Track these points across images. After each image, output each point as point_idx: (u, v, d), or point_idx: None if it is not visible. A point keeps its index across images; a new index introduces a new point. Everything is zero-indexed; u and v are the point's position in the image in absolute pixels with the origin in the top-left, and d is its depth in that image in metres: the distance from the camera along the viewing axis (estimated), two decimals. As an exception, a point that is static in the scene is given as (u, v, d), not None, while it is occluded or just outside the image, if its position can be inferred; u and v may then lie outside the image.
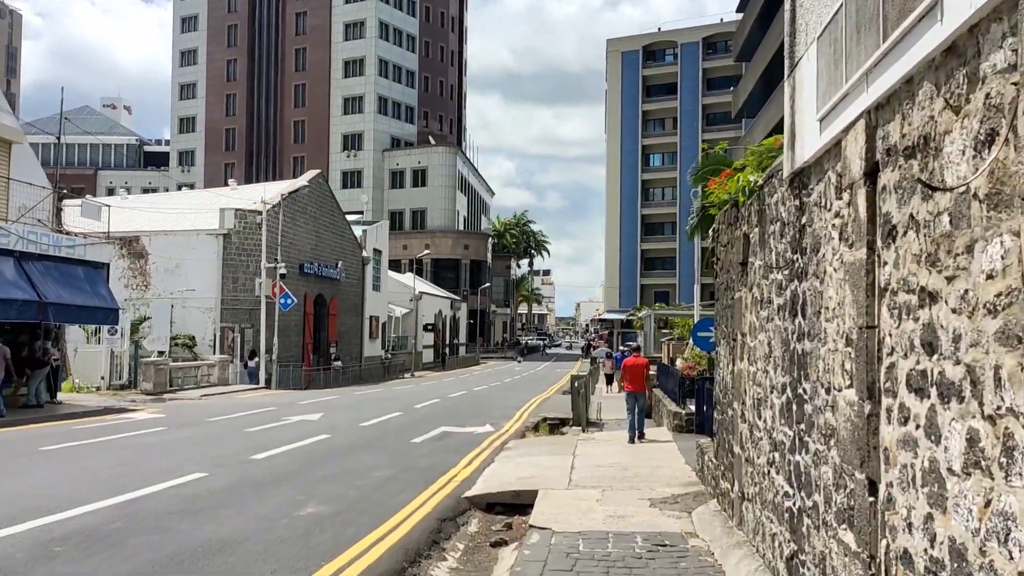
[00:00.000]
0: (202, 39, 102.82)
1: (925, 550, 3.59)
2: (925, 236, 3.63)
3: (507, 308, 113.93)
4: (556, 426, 21.35)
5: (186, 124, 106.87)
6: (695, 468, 12.07)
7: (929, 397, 3.58)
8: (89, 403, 23.84)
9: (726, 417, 9.12)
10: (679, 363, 23.98)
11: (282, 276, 34.64)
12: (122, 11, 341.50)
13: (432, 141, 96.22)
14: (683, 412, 16.53)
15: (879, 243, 4.27)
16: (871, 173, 4.35)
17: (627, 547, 8.08)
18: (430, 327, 71.15)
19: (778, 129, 10.03)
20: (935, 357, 3.51)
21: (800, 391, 5.91)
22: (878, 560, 4.21)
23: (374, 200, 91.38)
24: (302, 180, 43.58)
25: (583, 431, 18.76)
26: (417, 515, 10.04)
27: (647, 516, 9.53)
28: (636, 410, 16.47)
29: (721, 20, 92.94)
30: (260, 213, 36.61)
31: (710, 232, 18.23)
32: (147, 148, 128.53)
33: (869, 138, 4.33)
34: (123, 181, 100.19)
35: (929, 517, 3.55)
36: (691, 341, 29.54)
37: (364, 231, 53.72)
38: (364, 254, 52.27)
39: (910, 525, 3.78)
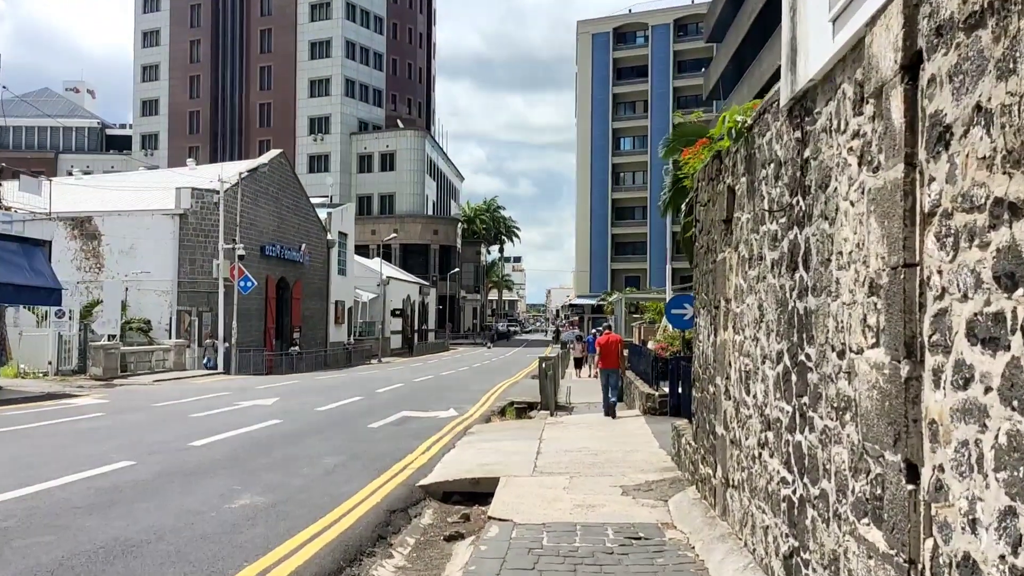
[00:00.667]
0: (165, 20, 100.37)
1: (1002, 557, 2.62)
2: (1003, 128, 2.65)
3: (477, 294, 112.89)
4: (523, 410, 20.41)
5: (149, 107, 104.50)
6: (671, 452, 11.15)
7: (1008, 348, 2.60)
8: (31, 389, 22.52)
9: (707, 395, 8.17)
10: (651, 345, 23.12)
11: (240, 258, 33.27)
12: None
13: (401, 125, 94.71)
14: (656, 394, 15.62)
15: (921, 155, 3.29)
16: (910, 66, 3.36)
17: (597, 541, 7.12)
18: (398, 312, 69.94)
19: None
20: (1020, 292, 2.54)
21: (802, 359, 4.94)
22: (921, 566, 3.24)
23: (342, 185, 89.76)
24: (262, 159, 42.15)
25: (551, 415, 17.80)
26: (364, 506, 8.99)
27: (619, 505, 8.57)
28: (610, 387, 17.07)
29: (692, 2, 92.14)
30: (217, 192, 35.18)
31: (686, 203, 17.23)
32: (109, 132, 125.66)
33: (908, 20, 3.34)
34: (84, 165, 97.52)
35: (1009, 513, 2.58)
36: (664, 321, 28.73)
37: (329, 214, 52.32)
38: (329, 237, 50.92)
39: (974, 522, 2.81)
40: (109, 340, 28.01)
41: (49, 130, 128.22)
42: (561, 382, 26.86)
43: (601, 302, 78.99)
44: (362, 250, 70.21)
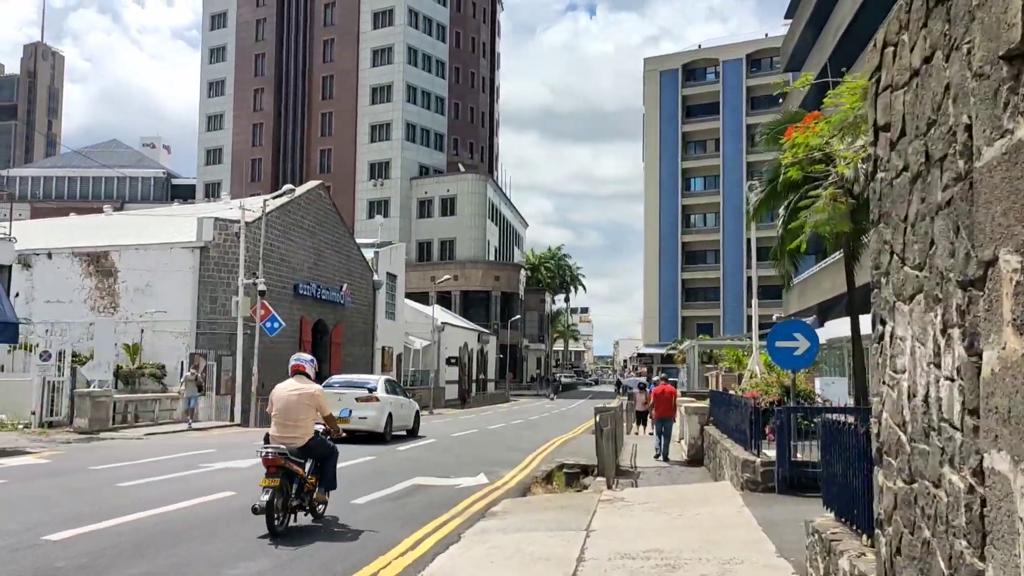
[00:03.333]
0: (230, 69, 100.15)
1: None
2: None
3: (541, 344, 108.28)
4: (575, 476, 15.83)
5: (212, 155, 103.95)
6: (804, 571, 6.50)
7: None
8: (-11, 443, 18.76)
9: (932, 490, 3.63)
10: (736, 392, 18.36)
11: (261, 293, 29.47)
12: (168, 56, 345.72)
13: (462, 169, 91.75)
14: (758, 461, 10.87)
15: None
16: None
17: None
18: (454, 361, 65.78)
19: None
20: None
21: None
22: None
23: (401, 230, 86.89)
24: (298, 190, 38.79)
25: (609, 485, 13.17)
26: None
27: None
28: (665, 434, 18.96)
29: (766, 35, 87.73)
30: (237, 221, 31.64)
31: (785, 206, 12.68)
32: (175, 181, 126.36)
33: None
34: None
35: None
36: (750, 366, 23.83)
37: (376, 253, 48.73)
38: (375, 278, 47.21)
39: None
40: (99, 387, 24.22)
41: (116, 180, 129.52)
42: (625, 439, 22.17)
43: (671, 351, 73.93)
44: (420, 297, 66.61)
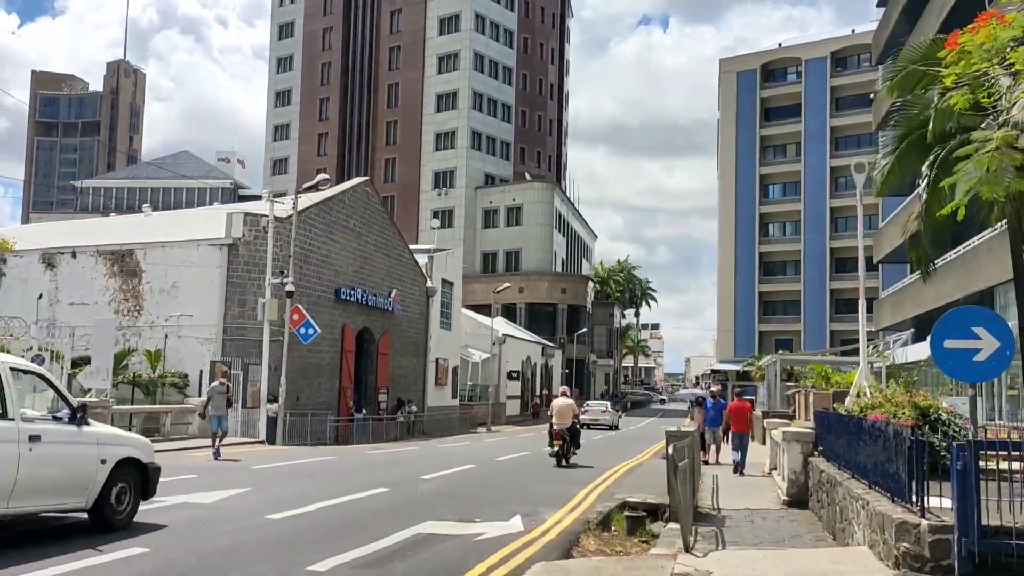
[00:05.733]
0: (296, 79, 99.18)
1: None
2: None
3: (610, 359, 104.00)
4: (639, 521, 12.07)
5: (279, 165, 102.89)
6: None
7: None
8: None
9: None
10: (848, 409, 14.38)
11: (289, 295, 26.40)
12: (248, 75, 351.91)
13: (528, 177, 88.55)
14: (923, 524, 6.82)
15: None
16: None
17: None
18: (515, 375, 62.31)
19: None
20: None
21: None
22: None
23: (466, 240, 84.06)
24: (342, 186, 35.81)
25: (686, 544, 9.34)
26: None
27: None
28: (742, 448, 19.77)
29: (852, 31, 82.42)
30: (278, 219, 28.69)
31: (928, 163, 8.84)
32: (242, 192, 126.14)
33: None
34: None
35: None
36: (858, 384, 19.71)
37: (430, 258, 45.56)
38: (429, 284, 44.00)
39: None
40: (99, 396, 21.28)
41: (185, 191, 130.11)
42: (704, 470, 18.29)
43: (747, 367, 69.14)
44: (484, 309, 63.46)
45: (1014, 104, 10.59)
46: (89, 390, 21.02)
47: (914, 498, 7.14)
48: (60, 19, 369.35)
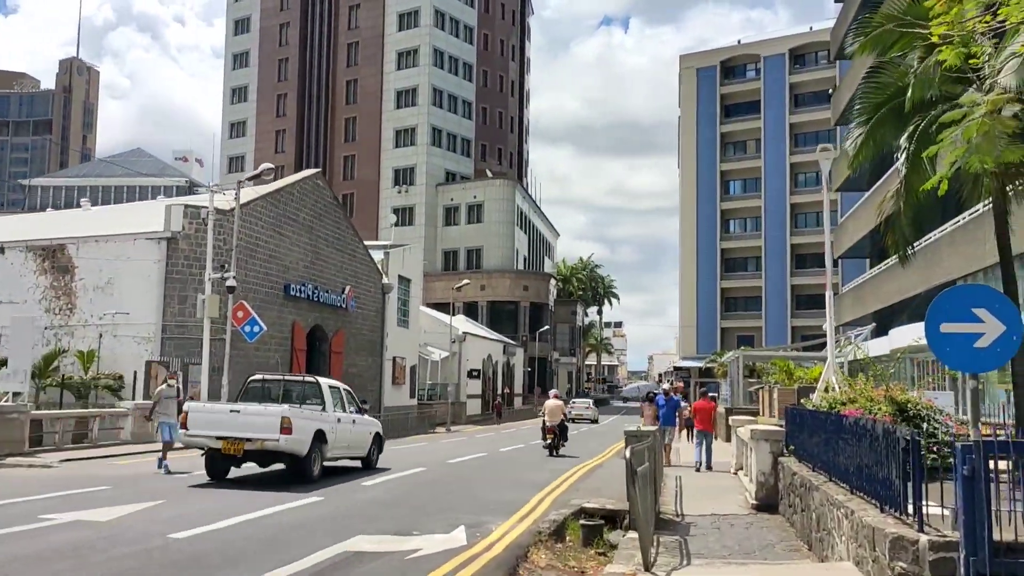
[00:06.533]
0: (253, 75, 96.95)
1: None
2: None
3: (573, 357, 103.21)
4: (596, 530, 11.00)
5: (236, 163, 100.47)
6: None
7: None
8: None
9: None
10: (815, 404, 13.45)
11: (231, 290, 24.97)
12: (206, 73, 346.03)
13: (490, 174, 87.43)
14: (922, 540, 5.76)
15: None
16: None
17: None
18: (476, 374, 61.14)
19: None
20: None
21: None
22: None
23: (427, 238, 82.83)
24: (290, 178, 34.44)
25: (646, 561, 8.24)
26: None
27: None
28: (705, 446, 20.25)
29: (811, 29, 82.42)
30: (222, 211, 27.21)
31: (909, 136, 7.69)
32: (199, 190, 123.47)
33: None
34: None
35: None
36: (825, 379, 18.88)
37: (386, 254, 44.25)
38: (385, 281, 42.69)
39: None
40: (15, 399, 19.74)
41: (138, 189, 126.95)
42: (667, 471, 17.32)
43: (710, 364, 68.74)
44: (445, 307, 62.26)
45: (1002, 67, 9.68)
46: (5, 394, 19.45)
47: (910, 508, 6.12)
48: (12, 17, 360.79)
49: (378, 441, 18.75)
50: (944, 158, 8.85)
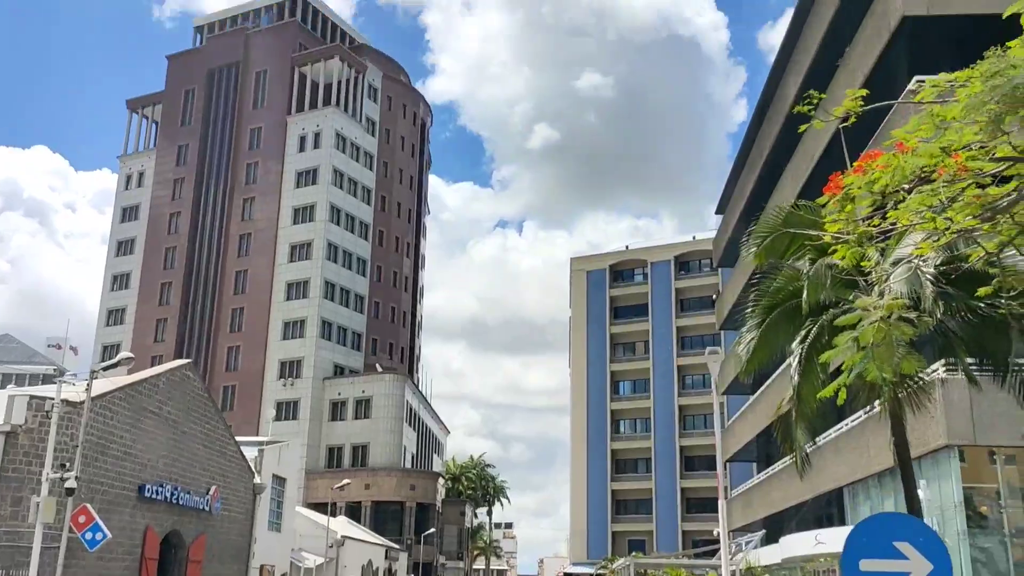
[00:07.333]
0: (137, 262, 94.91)
1: None
2: None
3: (460, 562, 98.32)
4: None
5: (109, 352, 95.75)
6: None
7: None
8: None
9: None
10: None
11: (70, 492, 22.29)
12: (90, 260, 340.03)
13: (379, 369, 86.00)
14: None
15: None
16: None
17: None
18: (354, 582, 56.83)
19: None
20: None
21: None
22: None
23: (311, 433, 79.82)
24: (156, 369, 32.29)
25: None
26: None
27: None
28: None
29: (693, 238, 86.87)
30: (71, 404, 24.84)
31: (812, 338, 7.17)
32: (68, 380, 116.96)
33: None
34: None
35: None
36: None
37: (260, 451, 41.52)
38: (257, 480, 39.76)
39: None
40: None
41: (1, 377, 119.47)
42: None
43: (601, 570, 66.38)
44: (326, 507, 58.64)
45: (890, 273, 9.33)
46: None
47: None
48: None
49: None
50: (839, 363, 8.24)
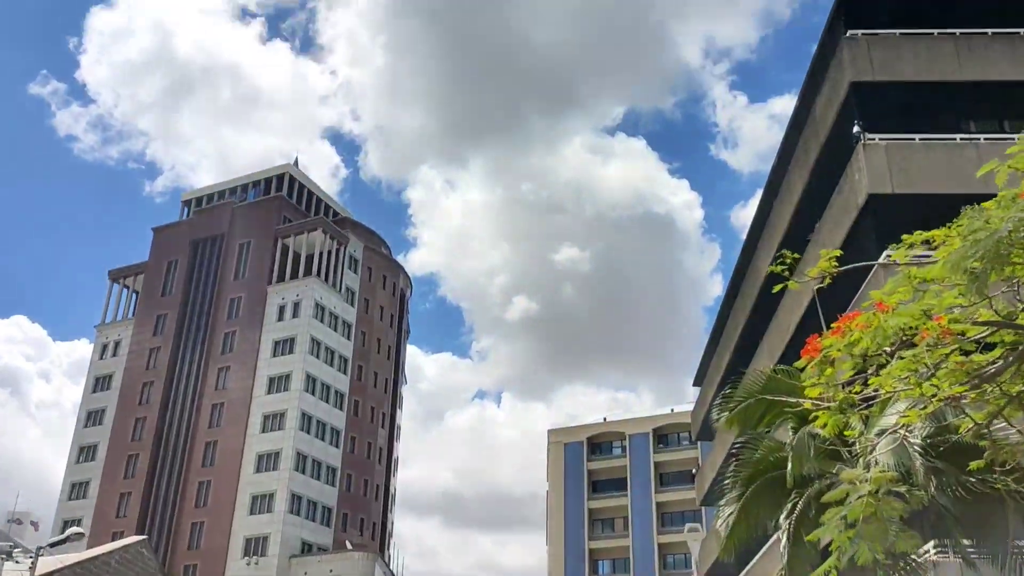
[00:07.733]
0: (105, 434, 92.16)
1: None
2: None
3: None
4: None
5: (77, 489, 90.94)
6: None
7: None
8: None
9: None
10: None
11: None
12: (60, 431, 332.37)
13: (349, 546, 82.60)
14: None
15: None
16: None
17: None
18: None
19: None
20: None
21: None
22: None
23: (275, 621, 75.39)
24: (109, 546, 30.67)
25: None
26: None
27: None
28: None
29: (671, 411, 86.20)
30: (13, 584, 23.28)
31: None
32: (15, 555, 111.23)
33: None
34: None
35: None
36: None
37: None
38: (210, 670, 37.03)
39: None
40: None
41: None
42: None
43: None
44: None
45: (875, 444, 8.89)
46: None
47: None
48: None
49: None
50: (833, 542, 7.65)
